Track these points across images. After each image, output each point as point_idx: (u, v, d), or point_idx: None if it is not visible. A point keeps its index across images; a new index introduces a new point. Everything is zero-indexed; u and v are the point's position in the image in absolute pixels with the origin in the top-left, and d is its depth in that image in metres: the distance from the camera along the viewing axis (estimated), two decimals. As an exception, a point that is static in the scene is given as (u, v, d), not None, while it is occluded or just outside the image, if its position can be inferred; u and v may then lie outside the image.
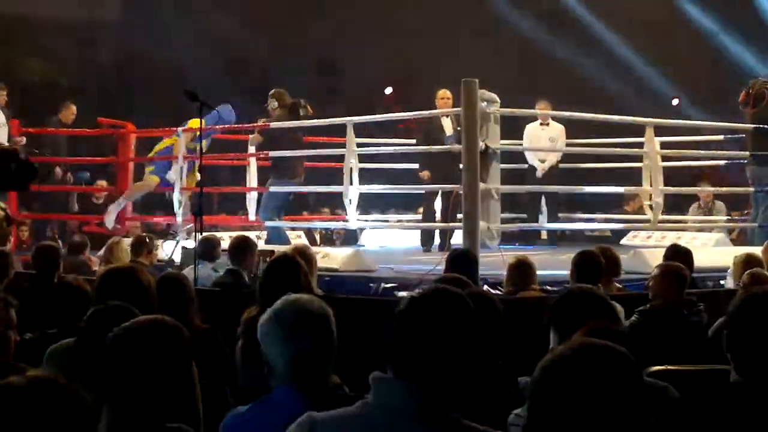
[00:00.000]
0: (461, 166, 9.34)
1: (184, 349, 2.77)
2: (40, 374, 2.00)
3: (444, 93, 11.42)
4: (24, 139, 11.98)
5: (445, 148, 10.53)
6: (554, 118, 12.40)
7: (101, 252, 9.62)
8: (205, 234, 8.76)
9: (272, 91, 11.66)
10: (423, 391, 2.37)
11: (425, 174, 11.27)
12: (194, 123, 10.97)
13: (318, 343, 2.95)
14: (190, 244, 9.06)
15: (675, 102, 19.99)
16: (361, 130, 10.80)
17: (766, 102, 11.32)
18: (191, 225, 9.54)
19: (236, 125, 11.89)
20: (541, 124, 12.43)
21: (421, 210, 12.25)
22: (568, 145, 12.63)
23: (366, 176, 10.73)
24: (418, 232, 11.95)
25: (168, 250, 10.09)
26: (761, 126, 11.08)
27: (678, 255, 7.13)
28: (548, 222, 12.34)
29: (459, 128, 10.95)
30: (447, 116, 11.24)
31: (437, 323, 2.42)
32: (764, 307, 2.97)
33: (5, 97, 11.96)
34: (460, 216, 9.62)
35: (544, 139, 12.38)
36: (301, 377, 2.93)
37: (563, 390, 1.98)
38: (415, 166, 11.74)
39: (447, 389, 2.39)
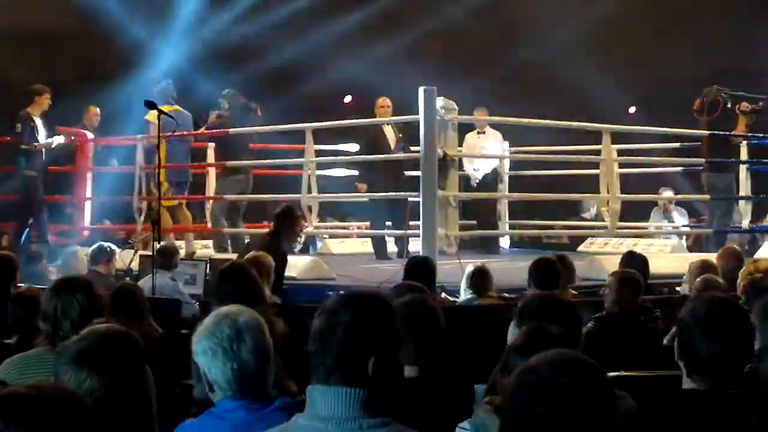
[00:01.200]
0: (407, 173, 9.30)
1: (136, 357, 2.77)
2: (44, 383, 2.00)
3: (384, 101, 11.26)
4: (63, 138, 11.74)
5: (394, 157, 10.52)
6: (493, 125, 12.20)
7: (59, 261, 9.56)
8: (162, 243, 8.73)
9: (224, 92, 11.61)
10: (360, 393, 2.33)
11: (363, 186, 11.16)
12: (152, 116, 10.90)
13: (256, 354, 2.94)
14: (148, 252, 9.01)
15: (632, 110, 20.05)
16: (320, 138, 10.76)
17: (720, 109, 11.42)
18: (149, 233, 9.48)
19: (194, 132, 11.75)
20: (478, 132, 12.21)
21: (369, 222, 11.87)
22: (526, 152, 12.65)
23: (323, 184, 10.72)
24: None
25: (126, 259, 10.03)
26: (716, 133, 11.17)
27: (634, 261, 7.19)
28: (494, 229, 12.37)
29: (401, 135, 10.95)
30: (388, 124, 11.07)
31: (362, 324, 2.38)
32: (711, 314, 3.01)
33: (49, 100, 11.46)
34: (414, 223, 9.61)
35: (478, 148, 12.22)
36: (244, 389, 2.92)
37: (537, 404, 1.99)
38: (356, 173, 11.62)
39: (383, 391, 2.36)
